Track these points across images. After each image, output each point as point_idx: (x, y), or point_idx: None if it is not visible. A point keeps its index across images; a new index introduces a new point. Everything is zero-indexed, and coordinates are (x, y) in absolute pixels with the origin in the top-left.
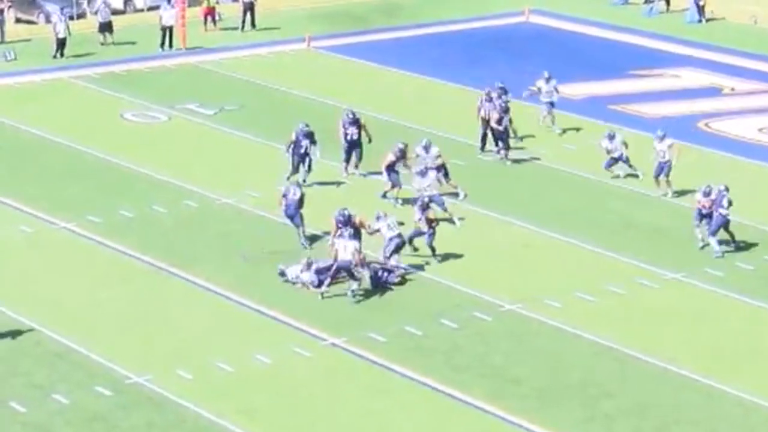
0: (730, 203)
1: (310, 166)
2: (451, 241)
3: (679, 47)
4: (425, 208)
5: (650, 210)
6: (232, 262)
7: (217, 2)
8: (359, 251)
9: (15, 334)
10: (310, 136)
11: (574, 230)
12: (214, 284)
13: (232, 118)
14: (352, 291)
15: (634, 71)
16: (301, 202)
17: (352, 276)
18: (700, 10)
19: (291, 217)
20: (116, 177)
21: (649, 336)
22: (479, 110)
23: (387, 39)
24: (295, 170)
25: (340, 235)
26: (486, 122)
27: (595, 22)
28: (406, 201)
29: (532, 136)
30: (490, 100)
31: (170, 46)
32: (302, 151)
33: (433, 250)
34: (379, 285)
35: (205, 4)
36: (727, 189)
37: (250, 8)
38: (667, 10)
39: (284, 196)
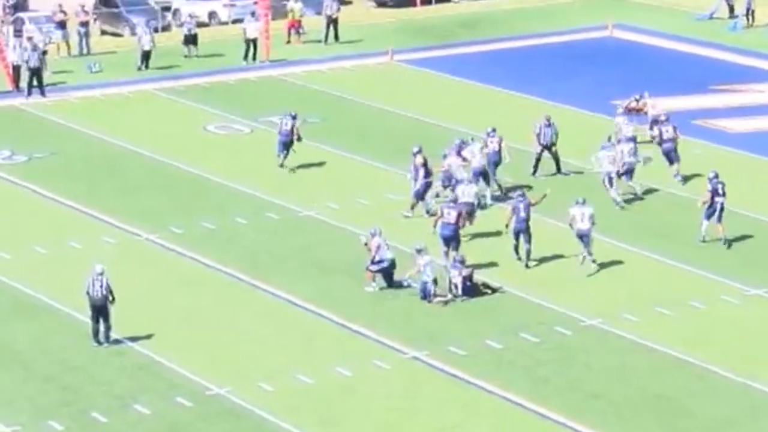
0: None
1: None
2: (532, 256)
3: (765, 62)
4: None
5: (732, 225)
6: (312, 274)
7: (302, 15)
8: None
9: (96, 344)
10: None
11: (654, 244)
12: (295, 296)
13: (314, 131)
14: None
15: (717, 86)
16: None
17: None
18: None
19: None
20: (199, 189)
21: (729, 352)
22: (538, 136)
23: (469, 53)
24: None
25: None
26: (545, 148)
27: (679, 36)
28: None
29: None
30: (549, 125)
31: (254, 58)
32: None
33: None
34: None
35: (290, 17)
36: (716, 175)
37: (333, 21)
38: (751, 24)
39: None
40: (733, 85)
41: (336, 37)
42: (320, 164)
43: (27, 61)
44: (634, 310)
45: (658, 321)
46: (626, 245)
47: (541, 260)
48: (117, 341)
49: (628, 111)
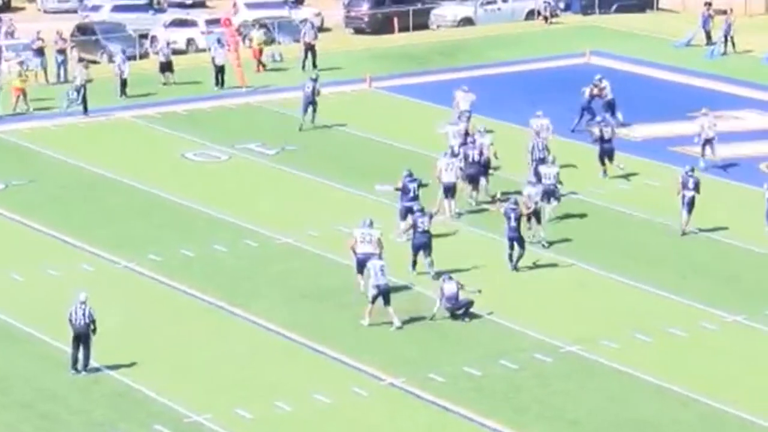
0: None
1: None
2: (508, 281)
3: (741, 89)
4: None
5: (711, 252)
6: (291, 301)
7: (262, 44)
8: None
9: (74, 371)
10: (415, 181)
11: (633, 271)
12: (274, 323)
13: (292, 158)
14: None
15: (695, 113)
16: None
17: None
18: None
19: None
20: (177, 216)
21: (708, 378)
22: (531, 152)
23: (447, 80)
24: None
25: None
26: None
27: (656, 63)
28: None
29: (587, 177)
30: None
31: (222, 85)
32: (411, 195)
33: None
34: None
35: (255, 46)
36: (691, 170)
37: (311, 48)
38: (728, 52)
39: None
40: (711, 112)
41: (314, 64)
42: (299, 191)
43: None
44: (613, 337)
45: (638, 347)
46: (605, 272)
47: (520, 286)
48: (95, 369)
49: (591, 97)
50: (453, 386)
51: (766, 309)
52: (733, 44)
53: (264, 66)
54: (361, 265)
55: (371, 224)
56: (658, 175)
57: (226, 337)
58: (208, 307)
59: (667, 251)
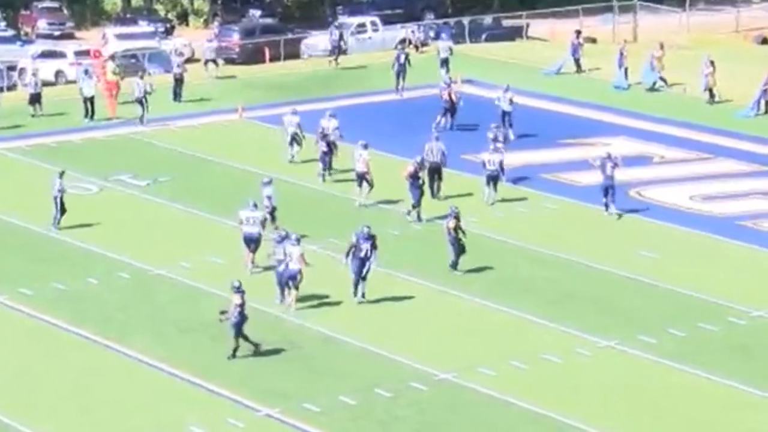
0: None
1: (368, 271)
2: (382, 310)
3: (611, 116)
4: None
5: (583, 278)
6: (165, 334)
7: (117, 74)
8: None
9: None
10: (371, 238)
11: (507, 298)
12: (148, 356)
13: (164, 189)
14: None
15: (566, 140)
16: None
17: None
18: (626, 75)
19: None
20: (48, 249)
21: (583, 404)
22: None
23: (320, 109)
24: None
25: None
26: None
27: (527, 91)
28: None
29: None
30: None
31: (91, 117)
32: (362, 254)
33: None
34: None
35: (109, 77)
36: (608, 156)
37: (180, 79)
38: (578, 71)
39: None
40: (581, 139)
41: (181, 95)
42: (172, 222)
43: None
44: (489, 364)
45: (513, 375)
46: (480, 299)
47: (394, 315)
48: None
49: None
50: (329, 416)
51: (639, 334)
52: (579, 66)
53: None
54: (247, 241)
55: (255, 206)
56: (528, 203)
57: (100, 371)
58: (81, 341)
59: (541, 279)
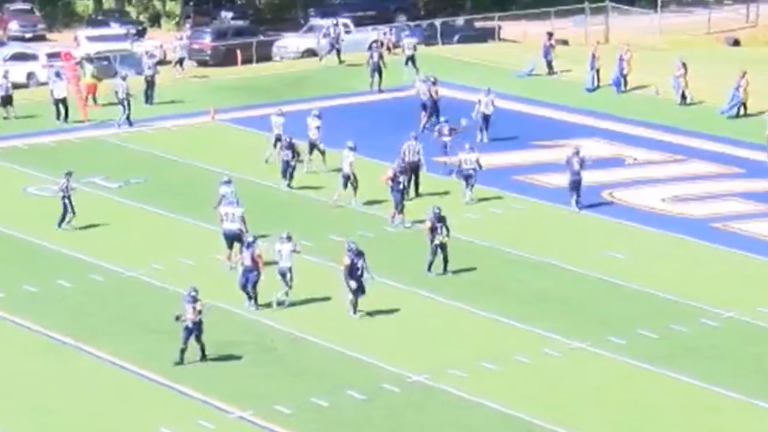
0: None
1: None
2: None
3: (583, 118)
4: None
5: (555, 280)
6: (137, 336)
7: (95, 77)
8: None
9: None
10: (361, 254)
11: (478, 300)
12: (119, 358)
13: (136, 191)
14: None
15: (537, 142)
16: None
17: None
18: (597, 77)
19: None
20: (20, 251)
21: (554, 405)
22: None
23: (293, 111)
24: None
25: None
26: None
27: (498, 93)
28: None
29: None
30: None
31: (65, 119)
32: (359, 274)
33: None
34: None
35: (87, 80)
36: (576, 152)
37: (151, 81)
38: (550, 73)
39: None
40: (553, 141)
41: (152, 97)
42: (144, 224)
43: None
44: (460, 365)
45: (485, 376)
46: (451, 300)
47: (365, 317)
48: None
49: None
50: (300, 417)
51: (610, 335)
52: (552, 67)
53: (95, 100)
54: (228, 239)
55: (237, 203)
56: (500, 204)
57: (71, 373)
58: (53, 343)
59: (512, 280)
